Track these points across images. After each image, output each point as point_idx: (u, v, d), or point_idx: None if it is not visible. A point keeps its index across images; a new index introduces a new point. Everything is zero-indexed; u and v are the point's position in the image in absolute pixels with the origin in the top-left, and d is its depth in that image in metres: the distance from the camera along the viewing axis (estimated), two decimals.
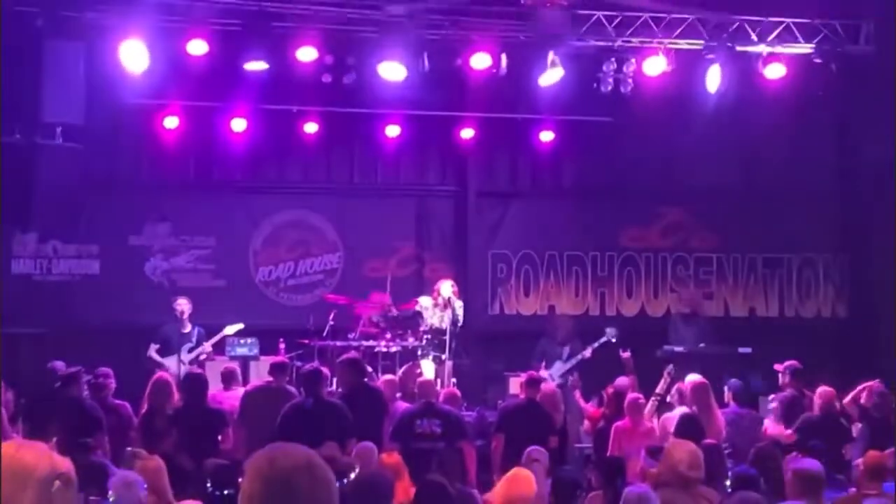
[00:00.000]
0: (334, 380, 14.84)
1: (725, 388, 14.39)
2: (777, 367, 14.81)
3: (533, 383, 14.30)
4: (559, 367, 17.41)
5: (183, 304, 17.27)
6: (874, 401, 13.82)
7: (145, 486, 9.12)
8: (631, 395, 14.05)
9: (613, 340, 17.13)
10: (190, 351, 17.02)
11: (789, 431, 13.56)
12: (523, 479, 9.50)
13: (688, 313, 18.86)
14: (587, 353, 17.41)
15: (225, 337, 17.40)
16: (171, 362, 16.81)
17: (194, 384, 13.69)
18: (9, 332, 17.32)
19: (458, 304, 17.43)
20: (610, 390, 14.69)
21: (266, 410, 13.07)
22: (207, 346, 17.12)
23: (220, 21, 15.25)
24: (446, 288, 17.40)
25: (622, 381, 14.87)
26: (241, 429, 13.21)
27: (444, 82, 17.47)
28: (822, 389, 13.91)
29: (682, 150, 19.88)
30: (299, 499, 3.20)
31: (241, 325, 17.39)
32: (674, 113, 17.78)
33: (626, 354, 15.75)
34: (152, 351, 17.12)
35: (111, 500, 8.87)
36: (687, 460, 9.20)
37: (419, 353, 17.23)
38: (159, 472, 9.62)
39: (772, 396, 14.96)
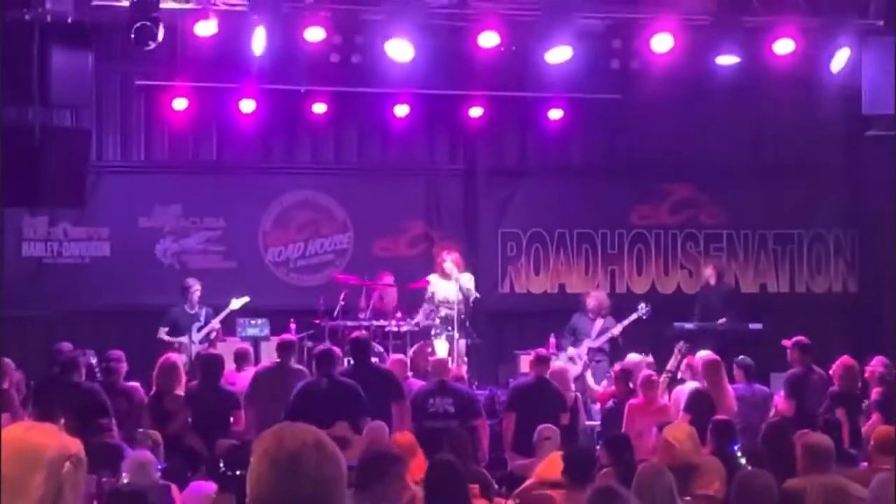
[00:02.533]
0: (346, 360, 14.87)
1: (734, 365, 14.40)
2: (785, 342, 14.81)
3: (541, 361, 14.30)
4: (587, 345, 17.39)
5: (197, 287, 17.33)
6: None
7: (160, 468, 9.17)
8: (644, 372, 14.05)
9: (645, 317, 17.11)
10: (199, 330, 17.08)
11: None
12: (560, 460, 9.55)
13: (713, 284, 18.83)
14: (616, 330, 17.38)
15: (233, 314, 17.46)
16: (182, 342, 16.88)
17: (211, 365, 13.70)
18: (20, 315, 17.36)
19: (466, 277, 17.40)
20: (617, 367, 14.68)
21: (274, 390, 13.10)
22: (216, 322, 17.17)
23: (227, 2, 15.23)
24: (449, 262, 17.37)
25: (630, 359, 14.87)
26: (251, 409, 13.22)
27: (452, 61, 17.45)
28: (843, 361, 13.93)
29: (691, 127, 19.85)
30: (307, 478, 3.21)
31: (246, 299, 17.43)
32: (683, 89, 17.75)
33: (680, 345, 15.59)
34: (162, 333, 17.16)
35: (125, 480, 8.91)
36: (685, 442, 9.22)
37: (432, 332, 17.25)
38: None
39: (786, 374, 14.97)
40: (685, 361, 14.56)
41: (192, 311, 17.22)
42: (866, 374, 14.19)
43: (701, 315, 18.16)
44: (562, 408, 13.78)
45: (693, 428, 9.68)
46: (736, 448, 10.36)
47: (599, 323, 17.66)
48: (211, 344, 16.89)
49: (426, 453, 10.29)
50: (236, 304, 17.40)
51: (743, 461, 9.82)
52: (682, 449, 9.38)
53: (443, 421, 12.95)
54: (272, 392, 13.09)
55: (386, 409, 12.84)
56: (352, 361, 14.35)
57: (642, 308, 17.33)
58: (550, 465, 9.80)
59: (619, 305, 18.15)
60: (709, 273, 18.92)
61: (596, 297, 18.06)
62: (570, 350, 17.33)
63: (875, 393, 13.77)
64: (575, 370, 16.59)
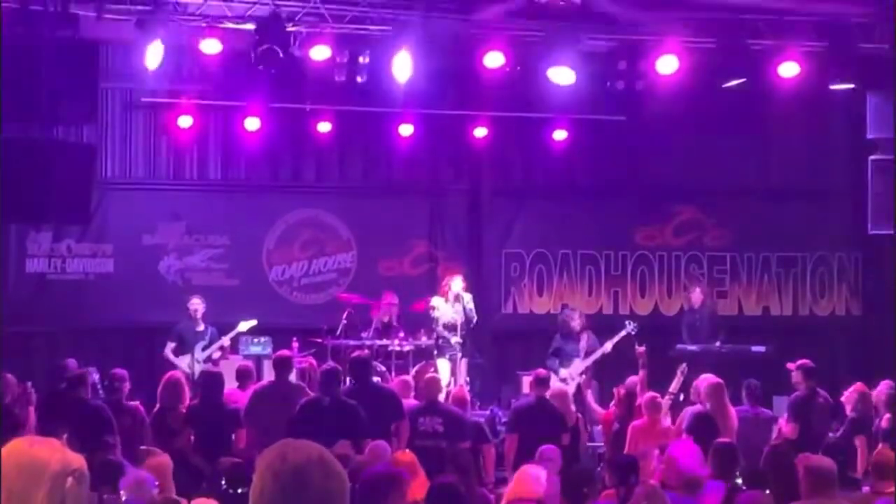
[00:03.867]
0: (347, 379, 14.84)
1: (743, 388, 14.39)
2: (789, 365, 14.79)
3: (541, 382, 14.29)
4: (578, 366, 17.37)
5: (197, 304, 17.34)
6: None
7: (156, 484, 9.14)
8: (649, 394, 14.02)
9: (633, 333, 17.06)
10: (203, 349, 17.07)
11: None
12: (530, 476, 9.54)
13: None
14: (608, 347, 17.35)
15: (239, 335, 17.45)
16: (185, 360, 16.86)
17: (211, 383, 13.68)
18: (23, 331, 17.38)
19: (468, 298, 17.43)
20: (622, 391, 14.65)
21: (273, 407, 13.05)
22: (226, 340, 17.18)
23: (233, 20, 15.26)
24: (457, 283, 17.42)
25: (633, 380, 14.85)
26: (249, 427, 13.17)
27: (457, 81, 17.49)
28: (858, 387, 13.94)
29: (695, 149, 19.88)
30: (311, 494, 3.20)
31: (254, 322, 17.44)
32: (687, 111, 17.76)
33: (642, 349, 15.66)
34: (168, 350, 17.16)
35: (123, 498, 8.89)
36: (688, 461, 9.24)
37: (435, 352, 17.24)
38: (164, 468, 9.65)
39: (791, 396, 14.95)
40: (694, 384, 14.55)
41: (199, 329, 17.21)
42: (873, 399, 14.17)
43: (690, 338, 18.20)
44: (562, 428, 13.77)
45: (698, 448, 9.69)
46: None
47: (584, 340, 17.64)
48: (214, 362, 16.89)
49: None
50: (244, 326, 17.41)
51: (739, 481, 9.81)
52: (686, 464, 9.40)
53: (432, 440, 12.93)
54: (271, 409, 13.04)
55: (386, 428, 12.81)
56: (352, 381, 14.32)
57: (630, 325, 17.29)
58: (518, 483, 9.75)
59: (612, 325, 18.12)
60: (695, 298, 18.92)
61: (572, 319, 18.08)
62: (563, 371, 17.28)
63: (885, 420, 13.71)
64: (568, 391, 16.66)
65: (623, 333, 17.19)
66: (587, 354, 17.47)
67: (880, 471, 9.63)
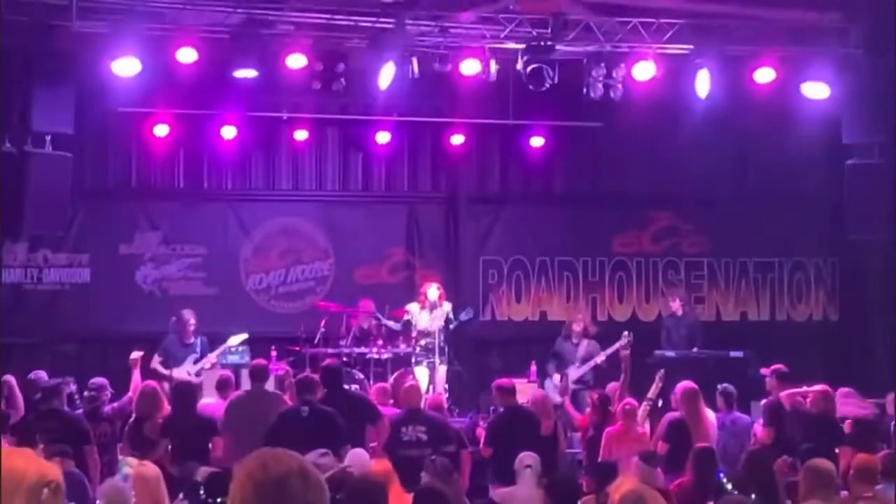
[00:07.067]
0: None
1: (717, 393, 14.38)
2: (763, 370, 14.82)
3: (505, 392, 14.21)
4: (574, 373, 17.40)
5: (189, 316, 17.11)
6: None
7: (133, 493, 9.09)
8: (624, 401, 14.02)
9: (628, 347, 16.96)
10: (195, 362, 16.92)
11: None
12: None
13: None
14: (600, 358, 17.36)
15: (216, 342, 17.34)
16: (177, 373, 16.66)
17: (185, 393, 13.66)
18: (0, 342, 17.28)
19: (448, 307, 17.47)
20: (594, 396, 14.62)
21: (249, 416, 13.02)
22: (213, 357, 16.99)
23: (209, 29, 15.24)
24: (433, 291, 17.45)
25: (610, 386, 14.84)
26: (226, 437, 13.11)
27: (434, 89, 17.48)
28: (819, 389, 13.91)
29: (672, 155, 19.88)
30: None
31: (245, 335, 17.28)
32: (664, 118, 17.81)
33: (626, 353, 15.62)
34: (156, 363, 16.99)
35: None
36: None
37: (413, 360, 17.23)
38: (156, 479, 9.58)
39: (764, 401, 14.97)
40: (674, 390, 14.55)
41: (189, 342, 17.02)
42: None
43: (667, 344, 18.24)
44: (538, 432, 13.72)
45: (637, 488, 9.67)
46: (722, 475, 10.37)
47: (583, 347, 17.67)
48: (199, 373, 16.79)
49: (401, 482, 10.24)
50: (234, 340, 17.23)
51: (729, 487, 9.82)
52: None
53: (416, 449, 12.84)
54: (247, 418, 13.00)
55: (360, 434, 12.78)
56: (324, 389, 14.27)
57: (625, 337, 17.22)
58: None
59: (600, 333, 18.16)
60: (675, 307, 18.91)
61: (583, 321, 18.14)
62: (556, 377, 17.31)
63: (847, 425, 13.74)
64: (556, 398, 16.61)
65: (617, 345, 17.02)
66: (583, 361, 17.50)
67: (860, 475, 9.63)
